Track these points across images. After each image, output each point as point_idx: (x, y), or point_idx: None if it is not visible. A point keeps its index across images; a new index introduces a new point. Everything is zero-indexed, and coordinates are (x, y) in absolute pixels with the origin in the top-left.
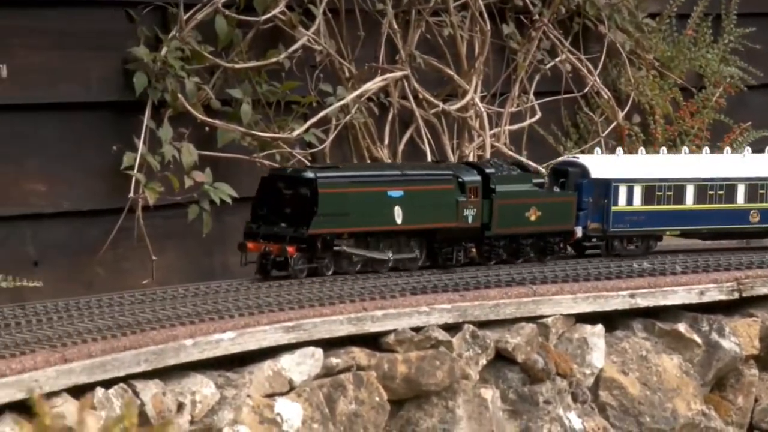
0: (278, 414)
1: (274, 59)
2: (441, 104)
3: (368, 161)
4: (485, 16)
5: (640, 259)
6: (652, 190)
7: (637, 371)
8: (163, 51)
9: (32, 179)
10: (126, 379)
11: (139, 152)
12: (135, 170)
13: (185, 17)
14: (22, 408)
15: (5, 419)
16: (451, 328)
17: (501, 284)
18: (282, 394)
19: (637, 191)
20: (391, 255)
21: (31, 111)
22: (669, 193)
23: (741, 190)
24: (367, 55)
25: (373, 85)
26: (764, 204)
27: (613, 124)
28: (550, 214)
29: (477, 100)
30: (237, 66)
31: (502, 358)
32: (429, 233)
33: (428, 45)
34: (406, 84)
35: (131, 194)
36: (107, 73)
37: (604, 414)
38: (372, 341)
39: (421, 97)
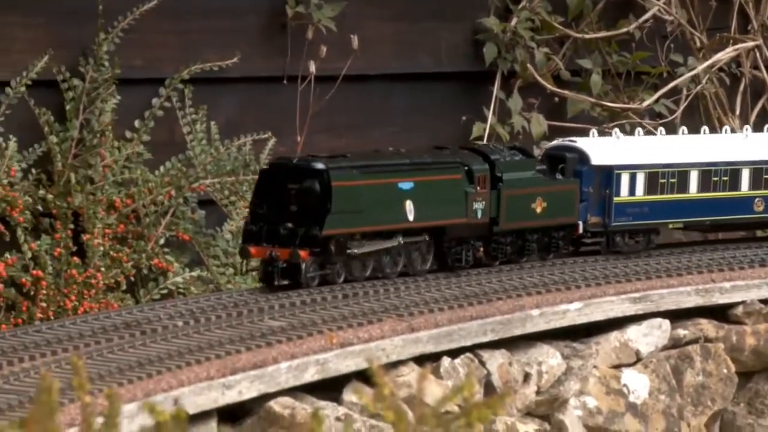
0: (625, 385)
1: (624, 29)
2: None
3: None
4: None
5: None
6: (655, 177)
7: None
8: (513, 21)
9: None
10: (472, 348)
11: (489, 122)
12: (484, 140)
13: None
14: (365, 377)
15: (349, 387)
16: None
17: None
18: (628, 365)
19: (640, 179)
20: (401, 239)
21: (381, 81)
22: (672, 180)
23: (745, 175)
24: (718, 24)
25: (724, 55)
26: None
27: None
28: (554, 205)
29: None
30: (587, 36)
31: None
32: (438, 231)
33: None
34: (758, 54)
35: None
36: (457, 43)
37: None
38: (719, 312)
39: None
